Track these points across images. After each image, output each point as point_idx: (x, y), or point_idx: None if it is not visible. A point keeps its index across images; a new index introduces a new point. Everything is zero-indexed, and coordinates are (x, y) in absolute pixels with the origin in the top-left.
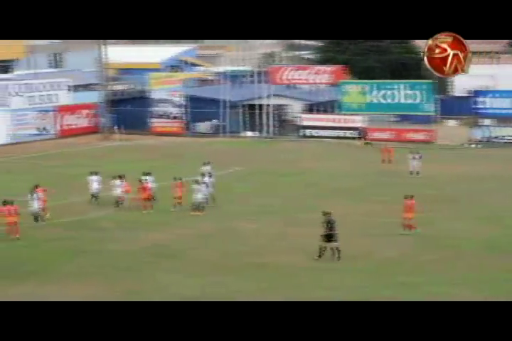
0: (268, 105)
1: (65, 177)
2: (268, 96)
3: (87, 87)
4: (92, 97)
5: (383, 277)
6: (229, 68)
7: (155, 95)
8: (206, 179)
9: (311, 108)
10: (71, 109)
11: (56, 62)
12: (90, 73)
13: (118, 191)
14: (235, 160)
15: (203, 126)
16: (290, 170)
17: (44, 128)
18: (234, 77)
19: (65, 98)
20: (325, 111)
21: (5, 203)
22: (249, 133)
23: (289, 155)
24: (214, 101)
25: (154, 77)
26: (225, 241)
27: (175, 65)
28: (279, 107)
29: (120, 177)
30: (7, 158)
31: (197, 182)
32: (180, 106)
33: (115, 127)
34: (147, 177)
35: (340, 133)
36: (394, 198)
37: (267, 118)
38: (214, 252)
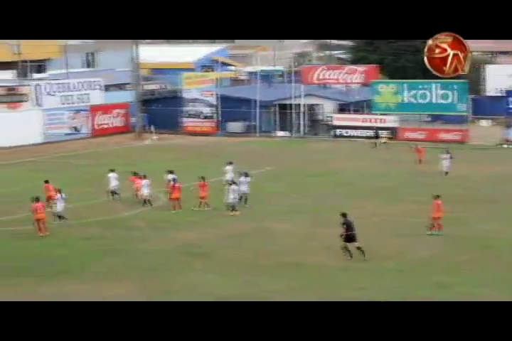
0: (300, 105)
1: (97, 177)
2: (300, 96)
3: (119, 86)
4: (125, 97)
5: (416, 277)
6: (261, 68)
7: (187, 95)
8: (242, 178)
9: (343, 108)
10: (104, 109)
11: (89, 61)
12: (123, 73)
13: (145, 190)
14: (267, 159)
15: (235, 126)
16: (321, 170)
17: (77, 128)
18: (266, 77)
19: (98, 97)
20: (357, 111)
21: (36, 200)
22: (281, 133)
23: (321, 155)
24: (246, 101)
25: (187, 77)
26: (257, 241)
27: (207, 65)
28: (311, 107)
29: (145, 176)
30: (40, 158)
31: (232, 182)
32: (212, 105)
33: (150, 127)
34: (170, 176)
35: (372, 133)
36: (425, 198)
37: (299, 118)
38: (245, 252)
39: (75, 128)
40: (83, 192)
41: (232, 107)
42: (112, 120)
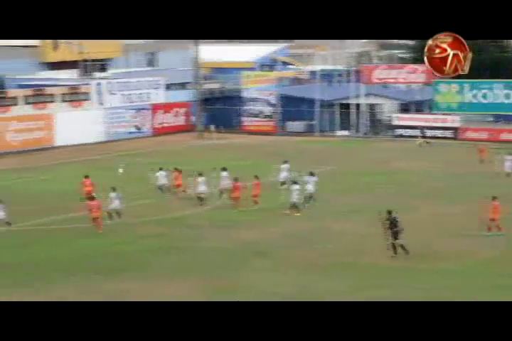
0: (360, 104)
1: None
2: (361, 96)
3: (180, 85)
4: (186, 96)
5: (478, 279)
6: (321, 67)
7: (247, 94)
8: (307, 178)
9: (404, 107)
10: (165, 108)
11: (151, 60)
12: (184, 72)
13: (201, 188)
14: (327, 159)
15: (295, 125)
16: (382, 170)
17: (138, 127)
18: (326, 76)
19: (159, 96)
20: (418, 111)
21: (91, 198)
22: (342, 133)
23: (381, 154)
24: (306, 100)
25: (247, 76)
26: (317, 240)
27: (267, 64)
28: (371, 106)
29: (200, 174)
30: (102, 156)
31: (295, 182)
32: (272, 105)
33: (210, 125)
34: (224, 173)
35: (435, 132)
36: (486, 199)
37: (360, 117)
38: (305, 251)
39: (137, 127)
40: (145, 190)
41: (292, 106)
42: (173, 119)
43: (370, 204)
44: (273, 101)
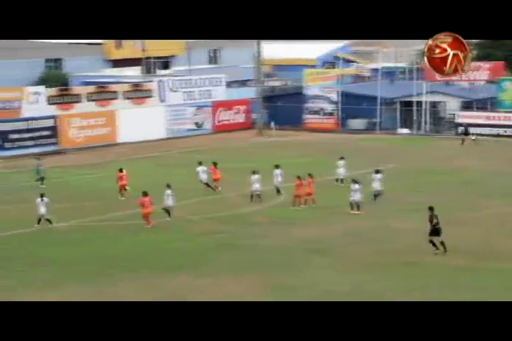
0: (422, 102)
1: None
2: (423, 93)
3: (242, 83)
4: (247, 93)
5: None
6: (383, 65)
7: (309, 91)
8: (373, 175)
9: (468, 105)
10: (226, 105)
11: (213, 58)
12: (246, 69)
13: (256, 186)
14: (389, 157)
15: (356, 123)
16: (445, 168)
17: (199, 124)
18: (389, 74)
19: (221, 94)
20: (482, 109)
21: (144, 194)
22: (404, 130)
23: (444, 152)
24: (368, 98)
25: (309, 74)
26: (377, 239)
27: (330, 61)
28: (434, 104)
29: (254, 172)
30: (164, 153)
31: (355, 181)
32: (333, 102)
33: (271, 123)
34: (277, 170)
35: (499, 131)
36: None
37: (423, 115)
38: (365, 249)
39: (197, 124)
40: (204, 186)
41: (353, 104)
42: (234, 116)
43: (433, 203)
44: (335, 98)
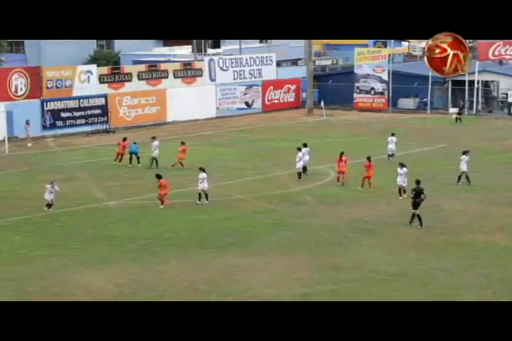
0: (474, 81)
1: (270, 151)
2: (475, 72)
3: (292, 62)
4: (297, 72)
5: None
6: None
7: (359, 70)
8: (462, 157)
9: None
10: (276, 84)
11: None
12: (296, 48)
13: (300, 164)
14: (439, 137)
15: (406, 102)
16: (496, 148)
17: (248, 103)
18: None
19: (271, 73)
20: None
21: (159, 177)
22: (453, 110)
23: (495, 132)
24: (418, 77)
25: (359, 53)
26: (427, 219)
27: (380, 40)
28: (486, 84)
29: (299, 149)
30: (214, 132)
31: (402, 165)
32: (383, 81)
33: (321, 102)
34: (303, 149)
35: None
36: None
37: (473, 94)
38: (415, 229)
39: (247, 104)
40: (255, 166)
41: (404, 83)
42: (284, 95)
43: (484, 183)
44: (385, 77)
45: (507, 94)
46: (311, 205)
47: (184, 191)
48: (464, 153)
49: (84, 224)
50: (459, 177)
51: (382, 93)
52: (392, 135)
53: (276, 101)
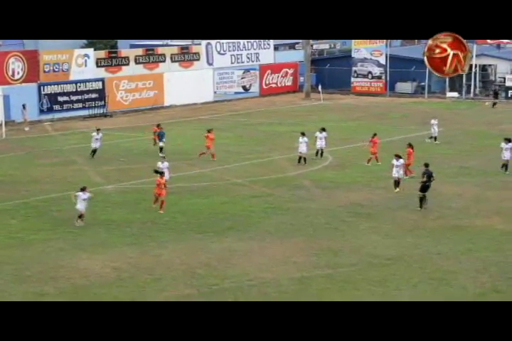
0: (473, 65)
1: (267, 135)
2: (473, 56)
3: (290, 46)
4: (294, 56)
5: None
6: None
7: (357, 54)
8: (502, 144)
9: None
10: (273, 68)
11: None
12: None
13: (302, 148)
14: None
15: (404, 86)
16: (494, 132)
17: (246, 87)
18: None
19: (269, 57)
20: None
21: (158, 173)
22: (451, 94)
23: (493, 116)
24: (416, 61)
25: None
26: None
27: None
28: (483, 67)
29: (303, 133)
30: (212, 116)
31: (399, 156)
32: (381, 65)
33: (319, 86)
34: (321, 134)
35: (492, 92)
36: None
37: (470, 78)
38: (412, 213)
39: (244, 88)
40: (253, 150)
41: (401, 67)
42: (281, 79)
43: (481, 168)
44: (383, 61)
45: (505, 78)
46: (308, 189)
47: (182, 175)
48: (508, 140)
49: None
50: (505, 166)
51: (379, 77)
52: (434, 118)
53: (273, 85)
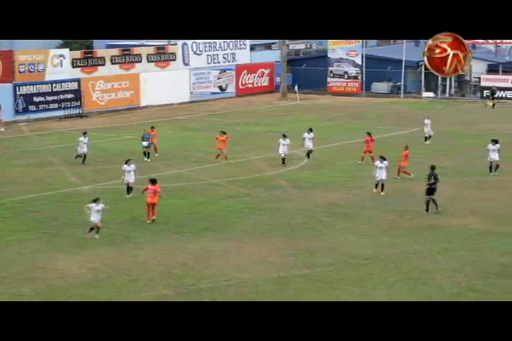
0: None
1: (244, 136)
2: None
3: (266, 46)
4: (271, 56)
5: None
6: None
7: (333, 54)
8: (489, 146)
9: (493, 68)
10: (250, 68)
11: None
12: None
13: (283, 150)
14: (412, 120)
15: (380, 86)
16: (468, 132)
17: (222, 87)
18: None
19: (245, 57)
20: (507, 72)
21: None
22: (427, 94)
23: (469, 116)
24: (391, 61)
25: None
26: (401, 203)
27: None
28: None
29: (285, 135)
30: (189, 116)
31: (383, 158)
32: (357, 65)
33: (295, 86)
34: (308, 134)
35: (488, 92)
36: None
37: (445, 78)
38: (389, 213)
39: (221, 88)
40: (230, 150)
41: (378, 67)
42: (257, 80)
43: (457, 167)
44: (358, 61)
45: (479, 78)
46: (285, 189)
47: (159, 175)
48: (495, 142)
49: (58, 209)
50: (496, 167)
51: (355, 77)
52: (428, 118)
53: (250, 85)
